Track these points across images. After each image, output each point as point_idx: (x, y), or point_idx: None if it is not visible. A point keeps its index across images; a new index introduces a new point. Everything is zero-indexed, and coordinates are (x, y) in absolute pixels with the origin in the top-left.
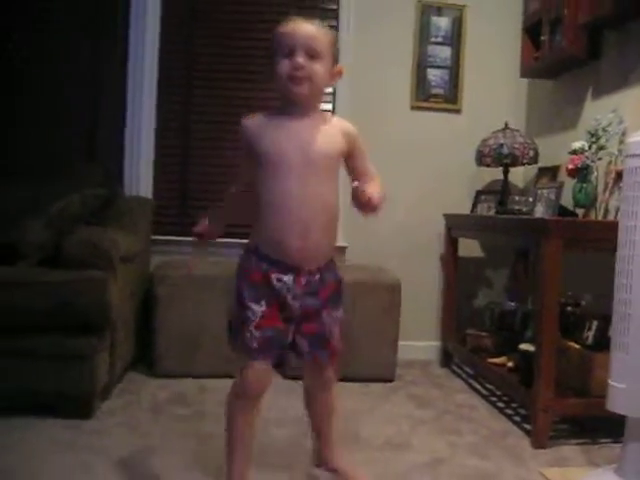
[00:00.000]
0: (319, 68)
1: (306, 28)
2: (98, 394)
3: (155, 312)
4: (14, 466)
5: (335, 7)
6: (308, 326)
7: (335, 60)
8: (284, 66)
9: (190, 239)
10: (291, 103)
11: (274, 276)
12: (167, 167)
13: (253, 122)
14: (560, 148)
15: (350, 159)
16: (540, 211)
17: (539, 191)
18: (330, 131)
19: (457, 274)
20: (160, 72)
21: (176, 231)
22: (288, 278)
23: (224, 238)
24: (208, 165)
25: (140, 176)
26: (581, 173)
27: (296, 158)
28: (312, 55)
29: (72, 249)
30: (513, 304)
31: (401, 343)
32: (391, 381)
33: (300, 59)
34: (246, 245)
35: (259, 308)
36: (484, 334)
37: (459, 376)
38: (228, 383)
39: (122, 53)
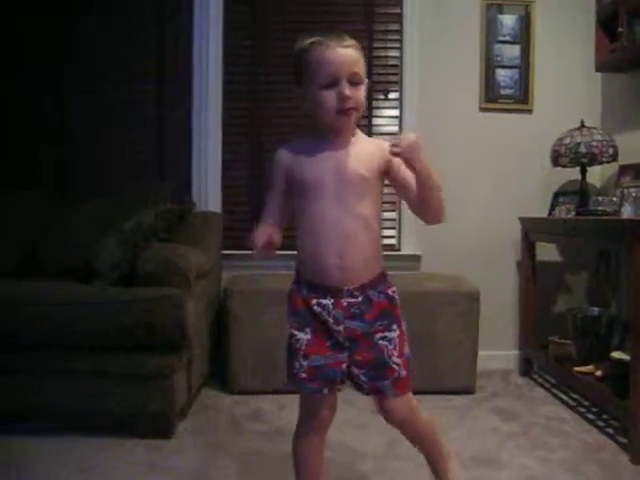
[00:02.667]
0: (361, 94)
1: (347, 53)
2: (177, 413)
3: (229, 327)
4: None
5: (399, 11)
6: (361, 354)
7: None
8: (329, 99)
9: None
10: (331, 131)
11: (314, 301)
12: (235, 180)
13: (288, 153)
14: None
15: (394, 172)
16: (628, 211)
17: (625, 190)
18: (365, 150)
19: (535, 279)
20: (224, 83)
21: (246, 245)
22: (327, 301)
23: None
24: None
25: (209, 191)
26: None
27: (331, 179)
28: (354, 82)
29: (147, 266)
30: (596, 309)
31: (479, 352)
32: (472, 393)
33: (347, 91)
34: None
35: (304, 336)
36: (567, 341)
37: (541, 385)
38: None
39: (186, 66)
